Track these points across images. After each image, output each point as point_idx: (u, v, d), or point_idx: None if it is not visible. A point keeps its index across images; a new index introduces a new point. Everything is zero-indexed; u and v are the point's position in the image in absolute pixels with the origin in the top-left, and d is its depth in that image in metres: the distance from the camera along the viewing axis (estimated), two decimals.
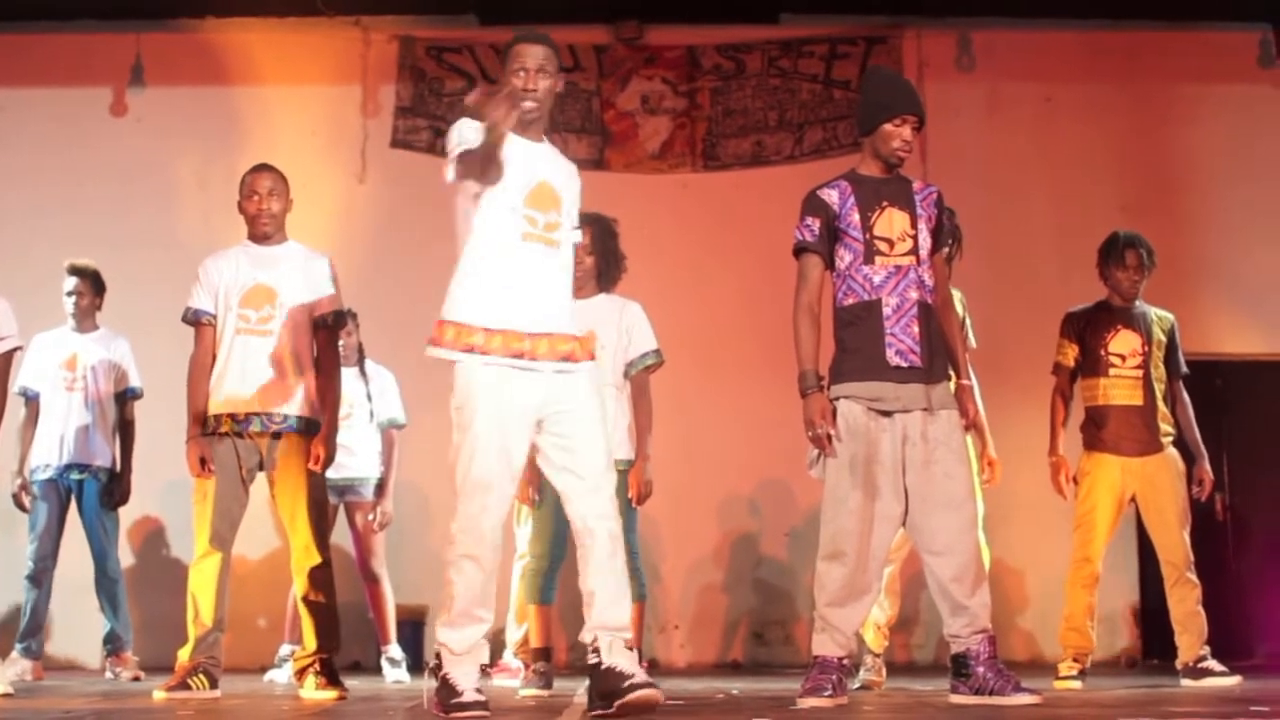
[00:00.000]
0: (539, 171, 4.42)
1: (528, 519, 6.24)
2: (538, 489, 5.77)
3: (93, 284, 7.45)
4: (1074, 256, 7.52)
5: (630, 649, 4.24)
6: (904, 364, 4.71)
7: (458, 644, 4.25)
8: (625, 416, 5.98)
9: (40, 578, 7.18)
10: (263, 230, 5.63)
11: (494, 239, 4.34)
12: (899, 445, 4.72)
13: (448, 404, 9.61)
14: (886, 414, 4.72)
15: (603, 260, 6.01)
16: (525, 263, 4.34)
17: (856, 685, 5.97)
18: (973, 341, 6.26)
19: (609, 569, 4.27)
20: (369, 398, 7.25)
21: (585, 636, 4.26)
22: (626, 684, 4.09)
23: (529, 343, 4.29)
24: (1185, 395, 6.53)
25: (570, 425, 4.31)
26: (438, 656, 4.29)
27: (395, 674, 7.14)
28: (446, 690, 4.22)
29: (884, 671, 6.25)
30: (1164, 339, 6.44)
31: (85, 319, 7.44)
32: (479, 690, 4.23)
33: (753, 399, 8.93)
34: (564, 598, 6.93)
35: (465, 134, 4.30)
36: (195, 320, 5.58)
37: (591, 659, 4.22)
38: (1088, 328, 6.45)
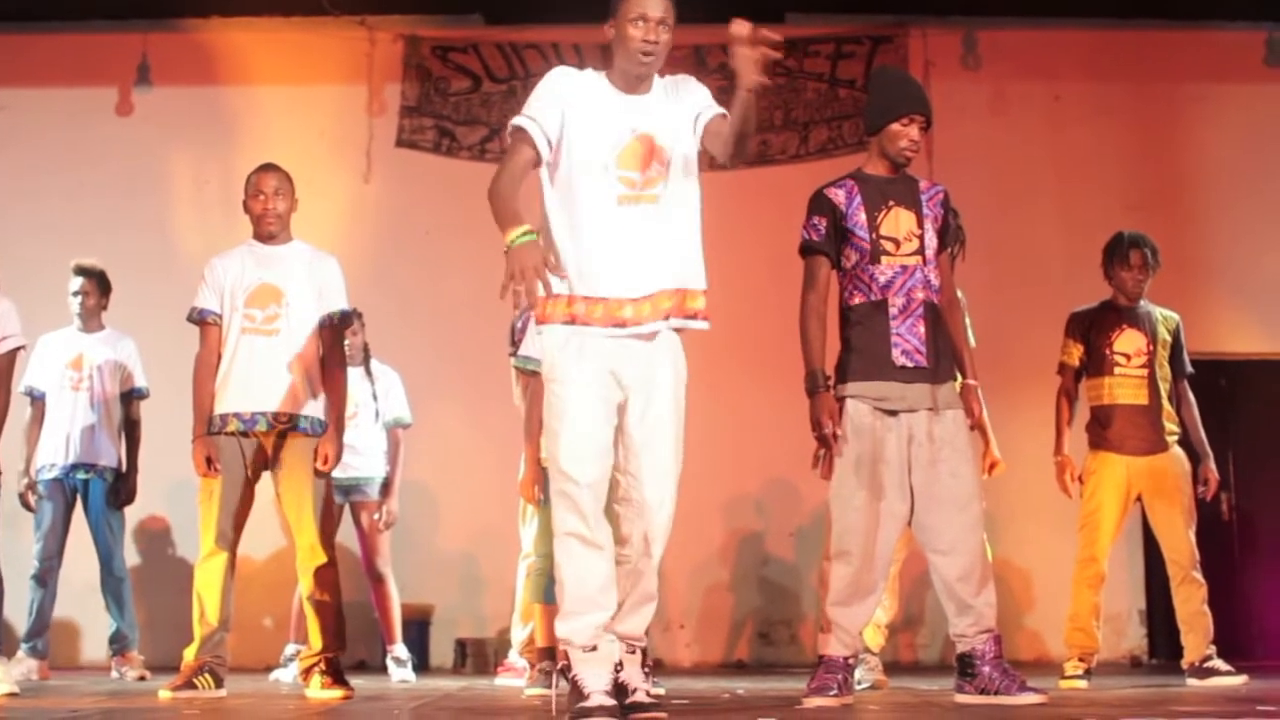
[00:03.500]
0: (635, 125, 4.14)
1: (533, 517, 6.23)
2: (543, 487, 5.76)
3: (98, 284, 7.46)
4: (1080, 255, 7.50)
5: (633, 652, 4.19)
6: (910, 364, 4.71)
7: (579, 635, 3.99)
8: None
9: (46, 577, 7.19)
10: (268, 230, 5.63)
11: (587, 203, 4.08)
12: (905, 445, 4.72)
13: (453, 403, 9.63)
14: (892, 413, 4.72)
15: None
16: (624, 227, 4.07)
17: (864, 686, 5.97)
18: (972, 340, 6.26)
19: (642, 583, 4.16)
20: (375, 397, 7.25)
21: None
22: (629, 701, 4.05)
23: (631, 309, 4.06)
24: (1190, 395, 6.52)
25: (645, 431, 4.11)
26: (565, 657, 4.06)
27: (401, 673, 7.14)
28: (574, 693, 3.98)
29: (882, 669, 6.25)
30: (1169, 338, 6.43)
31: (91, 319, 7.44)
32: (608, 693, 3.95)
33: (758, 398, 8.93)
34: None
35: (523, 120, 4.11)
36: (201, 320, 5.58)
37: None
38: (1093, 327, 6.45)
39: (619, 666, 4.08)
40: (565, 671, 4.09)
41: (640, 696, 4.09)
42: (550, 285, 3.87)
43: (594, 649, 4.00)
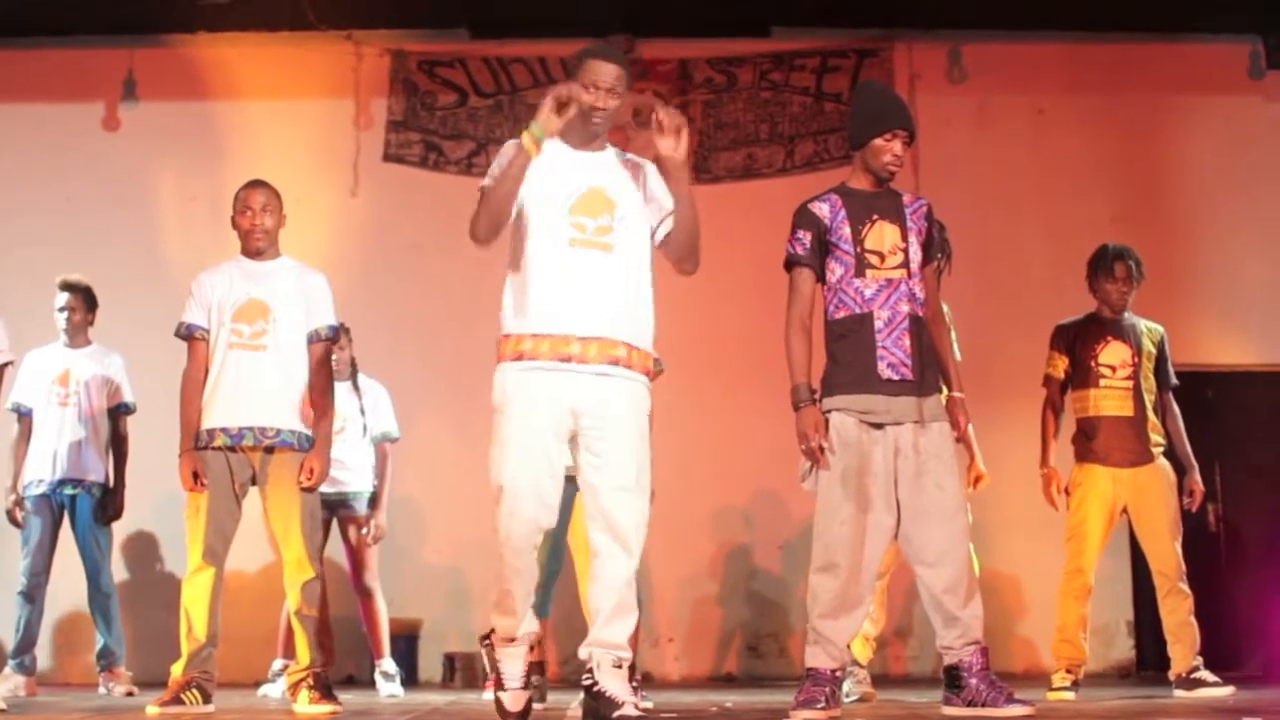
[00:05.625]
0: (590, 179, 4.47)
1: None
2: None
3: (85, 300, 7.46)
4: (1065, 267, 7.54)
5: (619, 666, 4.34)
6: (895, 377, 4.72)
7: (506, 630, 4.47)
8: None
9: (33, 593, 7.17)
10: (256, 245, 5.64)
11: (542, 244, 4.40)
12: (891, 457, 4.72)
13: (441, 417, 9.64)
14: (878, 426, 4.72)
15: None
16: (574, 267, 4.37)
17: (852, 698, 5.98)
18: (957, 353, 6.28)
19: (616, 589, 4.34)
20: (362, 411, 7.25)
21: (583, 652, 4.37)
22: (615, 715, 4.17)
23: (578, 345, 4.34)
24: (1175, 406, 6.54)
25: (604, 445, 4.35)
26: (491, 637, 4.53)
27: (389, 688, 7.13)
28: (496, 681, 4.53)
29: (870, 682, 6.25)
30: (1154, 350, 6.46)
31: (78, 335, 7.44)
32: (522, 682, 4.49)
33: (745, 411, 8.93)
34: (557, 611, 6.95)
35: (499, 162, 4.44)
36: (188, 335, 5.58)
37: (585, 679, 4.34)
38: (1078, 339, 6.48)
39: (533, 655, 4.63)
40: (490, 651, 4.56)
41: (629, 710, 4.18)
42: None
43: (513, 640, 4.47)
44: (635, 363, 4.42)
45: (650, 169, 4.58)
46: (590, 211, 4.42)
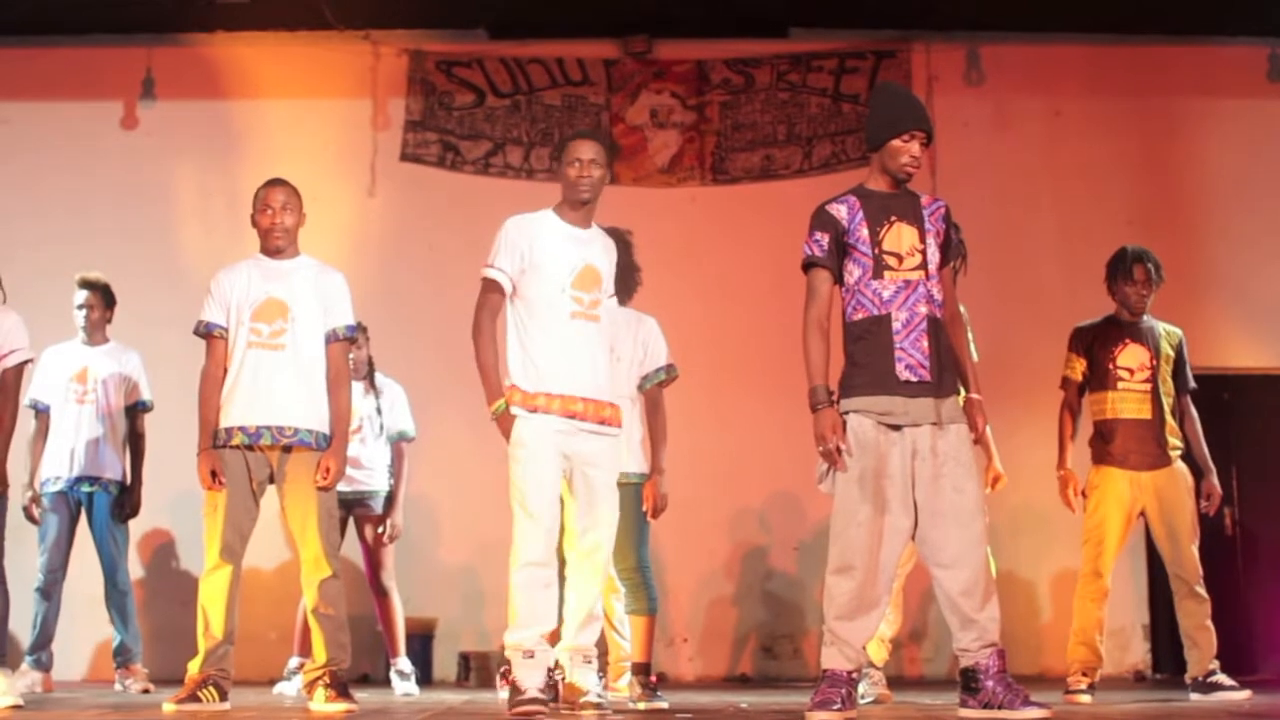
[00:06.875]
0: (585, 256, 5.14)
1: None
2: None
3: (103, 297, 7.48)
4: (1082, 270, 7.53)
5: (590, 662, 5.15)
6: (913, 378, 4.71)
7: (525, 643, 4.91)
8: (638, 430, 6.00)
9: (50, 590, 7.19)
10: (275, 244, 5.64)
11: (546, 316, 5.06)
12: (908, 459, 4.71)
13: (457, 416, 9.66)
14: (896, 428, 4.71)
15: (618, 273, 5.98)
16: (575, 337, 5.06)
17: (868, 700, 5.98)
18: (975, 354, 6.28)
19: (587, 606, 5.12)
20: (379, 411, 7.26)
21: (561, 656, 5.16)
22: (582, 700, 5.09)
23: (581, 405, 5.02)
24: (1193, 410, 6.53)
25: (589, 496, 5.08)
26: (508, 663, 4.98)
27: (405, 687, 7.14)
28: (514, 690, 4.91)
29: (885, 684, 6.25)
30: (1172, 353, 6.44)
31: (96, 332, 7.46)
32: (542, 690, 4.90)
33: (761, 412, 8.93)
34: None
35: (499, 260, 5.11)
36: (207, 333, 5.58)
37: (559, 674, 5.15)
38: (1096, 342, 6.46)
39: (554, 670, 5.07)
40: (506, 675, 5.05)
41: (591, 699, 5.11)
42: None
43: (532, 655, 4.92)
44: (613, 419, 5.12)
45: (614, 254, 5.34)
46: (586, 287, 5.11)
